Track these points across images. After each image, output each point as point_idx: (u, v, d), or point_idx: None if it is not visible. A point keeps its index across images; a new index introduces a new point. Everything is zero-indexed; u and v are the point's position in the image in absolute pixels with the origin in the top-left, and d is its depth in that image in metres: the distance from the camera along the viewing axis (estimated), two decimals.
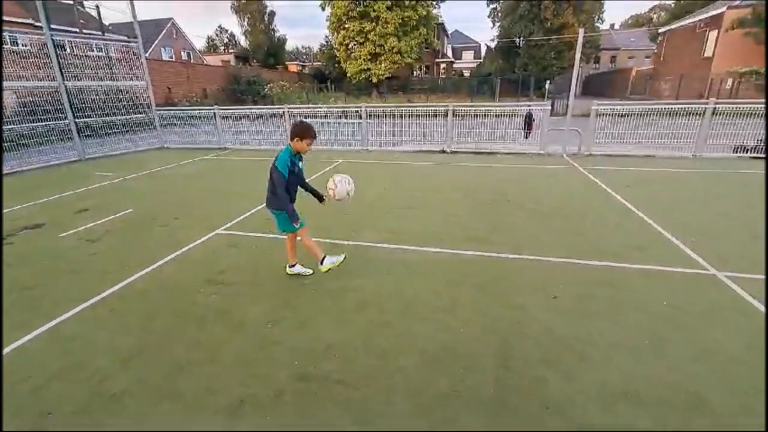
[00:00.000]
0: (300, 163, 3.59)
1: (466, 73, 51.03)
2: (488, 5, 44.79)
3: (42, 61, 10.46)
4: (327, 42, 46.38)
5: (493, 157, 10.36)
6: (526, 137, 10.64)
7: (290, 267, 3.93)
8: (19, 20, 21.68)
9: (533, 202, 6.25)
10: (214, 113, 13.13)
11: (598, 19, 41.71)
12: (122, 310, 3.38)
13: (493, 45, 46.95)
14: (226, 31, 61.58)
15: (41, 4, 10.13)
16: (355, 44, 35.58)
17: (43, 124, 10.69)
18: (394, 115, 11.79)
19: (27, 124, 10.42)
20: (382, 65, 34.94)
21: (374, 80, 35.76)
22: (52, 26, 10.55)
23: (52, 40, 10.35)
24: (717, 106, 9.31)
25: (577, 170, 8.48)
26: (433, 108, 11.56)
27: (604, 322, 3.02)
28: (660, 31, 35.30)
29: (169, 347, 2.86)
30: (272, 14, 53.05)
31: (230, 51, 54.25)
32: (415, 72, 45.84)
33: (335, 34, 36.92)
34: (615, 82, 37.69)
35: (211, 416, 2.24)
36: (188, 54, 42.11)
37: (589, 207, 5.94)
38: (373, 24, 33.35)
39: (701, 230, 4.82)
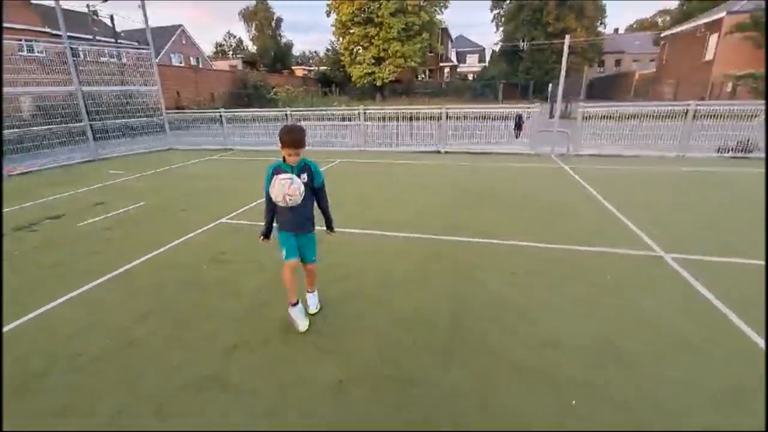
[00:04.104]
0: (303, 176, 2.77)
1: (471, 77, 51.56)
2: (492, 10, 45.47)
3: (60, 67, 11.17)
4: (332, 47, 47.15)
5: (485, 156, 10.82)
6: (517, 137, 11.11)
7: (290, 305, 3.02)
8: (38, 29, 22.63)
9: (512, 196, 6.72)
10: (220, 116, 13.79)
11: (600, 24, 42.12)
12: (137, 282, 3.91)
13: (497, 49, 47.48)
14: (234, 36, 62.83)
15: (61, 15, 10.83)
16: (359, 48, 36.31)
17: (60, 126, 11.38)
18: (391, 118, 12.31)
19: (44, 127, 11.10)
20: (386, 69, 35.64)
21: (378, 84, 36.43)
22: (69, 34, 11.23)
23: (70, 48, 11.05)
24: (698, 108, 9.70)
25: (562, 169, 8.92)
26: (428, 110, 12.06)
27: (548, 292, 3.48)
28: (662, 35, 35.55)
29: (177, 308, 3.38)
30: (279, 20, 54.19)
31: (238, 56, 55.32)
32: (419, 76, 46.44)
33: (340, 39, 37.71)
34: (618, 85, 37.90)
35: (211, 356, 2.74)
36: (197, 60, 43.12)
37: (564, 201, 6.37)
38: (378, 29, 34.05)
39: (662, 221, 5.25)
